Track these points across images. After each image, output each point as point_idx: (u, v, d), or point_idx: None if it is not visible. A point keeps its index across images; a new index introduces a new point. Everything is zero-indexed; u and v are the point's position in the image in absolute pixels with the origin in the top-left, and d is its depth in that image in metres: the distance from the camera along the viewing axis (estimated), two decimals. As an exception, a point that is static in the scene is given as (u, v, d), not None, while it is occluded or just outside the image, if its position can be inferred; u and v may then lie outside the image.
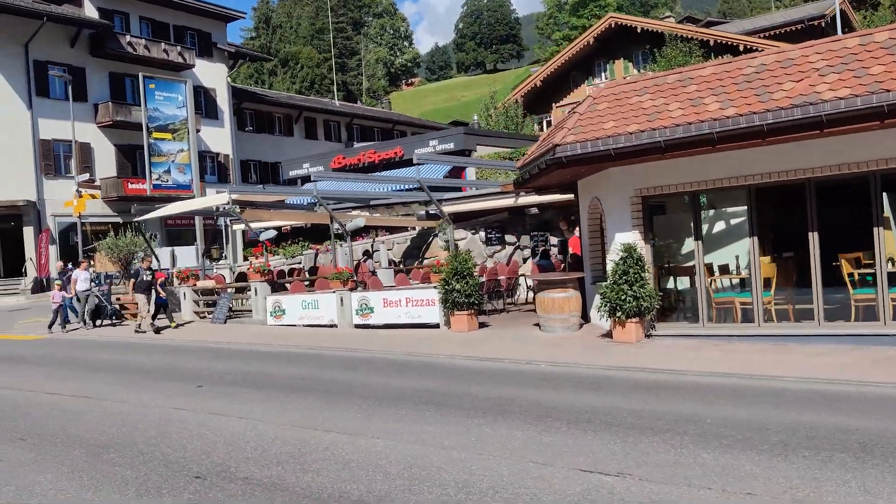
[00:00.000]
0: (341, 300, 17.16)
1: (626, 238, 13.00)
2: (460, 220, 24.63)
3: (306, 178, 33.48)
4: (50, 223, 33.43)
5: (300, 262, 26.09)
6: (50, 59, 34.04)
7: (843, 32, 42.83)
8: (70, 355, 15.43)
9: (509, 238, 23.90)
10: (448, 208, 24.47)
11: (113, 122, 35.28)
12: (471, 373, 10.99)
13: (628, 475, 5.75)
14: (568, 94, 47.38)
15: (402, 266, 23.76)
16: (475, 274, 15.12)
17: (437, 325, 15.65)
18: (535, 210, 23.30)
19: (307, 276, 21.76)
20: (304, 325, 17.83)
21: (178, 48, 37.98)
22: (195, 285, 20.80)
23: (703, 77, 11.95)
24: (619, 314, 12.40)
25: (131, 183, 34.96)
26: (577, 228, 17.54)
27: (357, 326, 17.00)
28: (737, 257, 12.80)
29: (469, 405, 8.59)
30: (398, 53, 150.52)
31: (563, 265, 17.17)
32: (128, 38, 36.12)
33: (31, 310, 28.00)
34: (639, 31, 42.30)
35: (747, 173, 11.96)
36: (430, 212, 22.47)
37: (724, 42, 38.31)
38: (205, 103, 39.54)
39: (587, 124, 12.50)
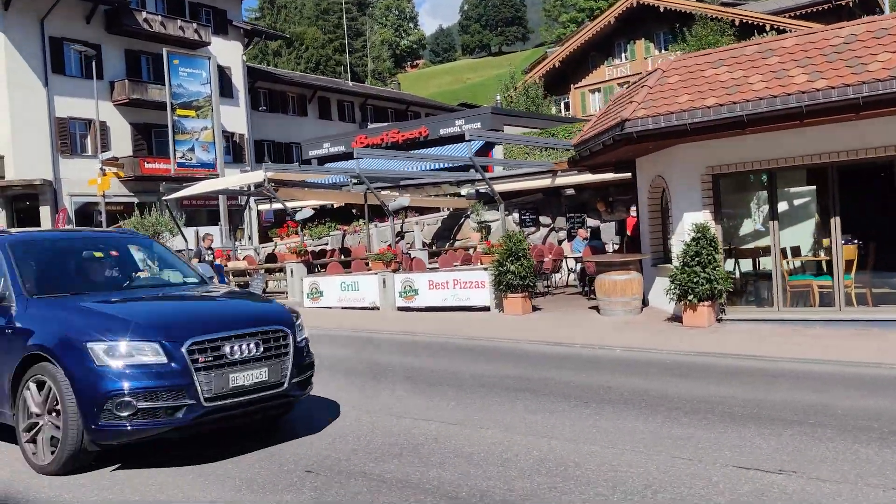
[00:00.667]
0: (384, 282, 16.64)
1: (695, 218, 12.44)
2: (492, 201, 24.06)
3: (327, 159, 32.92)
4: (66, 202, 32.83)
5: (327, 244, 25.55)
6: (65, 36, 33.26)
7: (870, 14, 42.06)
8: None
9: (544, 220, 23.38)
10: (481, 187, 23.93)
11: (129, 101, 34.59)
12: (547, 358, 10.46)
13: (793, 472, 5.23)
14: (587, 75, 46.70)
15: (434, 247, 23.21)
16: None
17: (486, 308, 15.13)
18: (571, 191, 22.74)
19: (341, 257, 21.19)
20: (342, 308, 17.33)
21: (195, 25, 37.22)
22: (226, 265, 20.26)
23: (786, 48, 11.34)
24: (690, 297, 11.86)
25: (147, 162, 34.32)
26: (634, 208, 16.98)
27: (400, 309, 16.49)
28: (814, 238, 12.25)
29: (564, 392, 8.07)
30: (403, 35, 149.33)
31: (619, 247, 16.56)
32: (144, 14, 35.35)
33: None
34: (662, 10, 41.54)
35: (830, 150, 11.38)
36: (480, 190, 21.87)
37: (749, 22, 37.57)
38: (220, 82, 38.77)
39: (658, 98, 11.91)
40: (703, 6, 41.28)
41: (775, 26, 37.00)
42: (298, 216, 20.66)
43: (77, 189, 33.09)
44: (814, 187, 12.64)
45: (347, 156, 32.38)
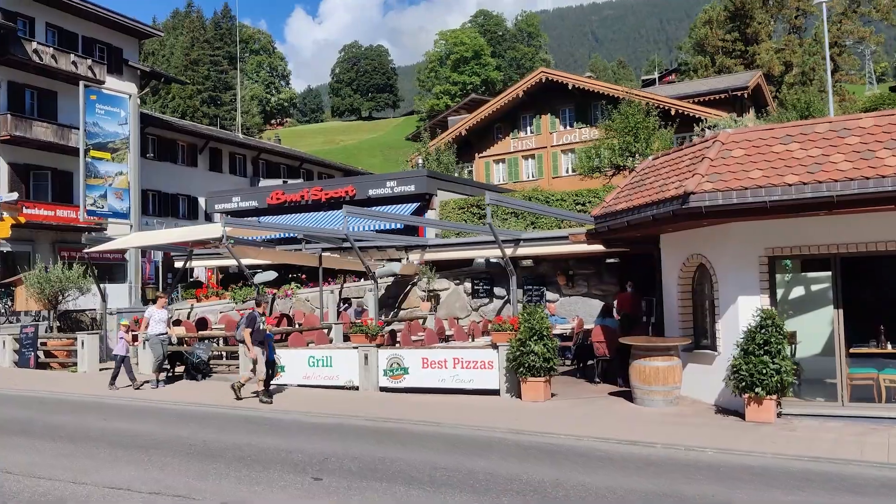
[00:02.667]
0: (366, 358, 14.69)
1: (751, 302, 11.55)
2: (443, 268, 22.63)
3: (236, 213, 30.41)
4: (-75, 249, 28.46)
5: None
6: (-61, 59, 29.41)
7: (760, 105, 44.59)
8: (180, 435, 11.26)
9: (499, 291, 22.12)
10: (430, 255, 22.49)
11: (11, 138, 30.73)
12: (625, 462, 9.00)
13: None
14: (492, 145, 46.61)
15: (382, 316, 21.35)
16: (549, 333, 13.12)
17: (495, 392, 13.53)
18: (528, 262, 21.66)
19: (287, 325, 18.90)
20: (310, 386, 15.17)
21: (89, 61, 33.93)
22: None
23: (865, 129, 10.79)
24: (758, 390, 10.83)
25: (27, 207, 30.43)
26: (629, 285, 16.03)
27: (384, 390, 14.57)
28: (881, 328, 11.57)
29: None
30: (274, 92, 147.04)
31: (635, 327, 15.40)
32: (34, 44, 31.84)
33: None
34: (570, 87, 42.18)
35: (905, 237, 10.83)
36: (491, 260, 20.32)
37: (657, 105, 38.58)
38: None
39: (724, 171, 11.05)
40: (611, 87, 42.37)
41: (681, 111, 38.23)
42: (259, 278, 18.33)
43: (-62, 234, 28.82)
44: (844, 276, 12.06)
45: (261, 212, 30.10)
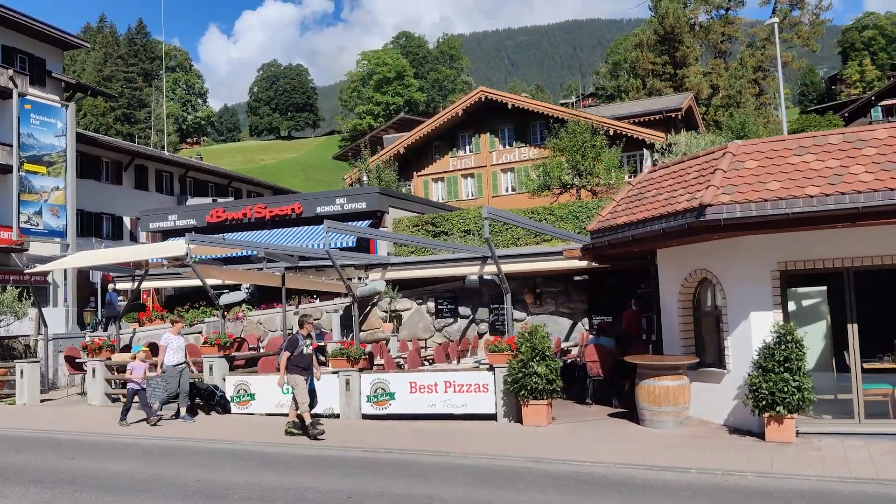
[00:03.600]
0: (347, 383, 13.78)
1: (764, 319, 11.23)
2: (405, 287, 21.84)
3: (174, 232, 28.84)
4: None
5: (201, 332, 21.70)
6: None
7: (691, 126, 45.50)
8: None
9: (463, 310, 21.45)
10: (392, 274, 21.69)
11: (-78, 150, 28.49)
12: (671, 490, 8.44)
13: None
14: (430, 164, 46.05)
15: (344, 337, 20.36)
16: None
17: (491, 417, 12.82)
18: (493, 280, 21.07)
19: (238, 349, 17.70)
20: (283, 415, 14.11)
21: (10, 72, 31.77)
22: (109, 359, 16.15)
23: (880, 139, 10.65)
24: (779, 409, 10.46)
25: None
26: (634, 302, 15.61)
27: (367, 417, 13.67)
28: (891, 343, 11.40)
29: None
30: (191, 110, 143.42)
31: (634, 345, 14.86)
32: (-51, 51, 29.69)
33: None
34: (509, 107, 42.05)
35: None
36: (485, 277, 19.45)
37: (600, 125, 38.84)
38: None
39: (739, 183, 10.72)
40: (549, 107, 42.53)
41: (620, 132, 38.56)
42: (224, 300, 17.08)
43: None
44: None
45: (200, 230, 28.61)
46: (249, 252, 22.20)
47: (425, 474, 9.40)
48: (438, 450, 10.70)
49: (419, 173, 45.95)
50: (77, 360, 17.72)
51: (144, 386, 13.75)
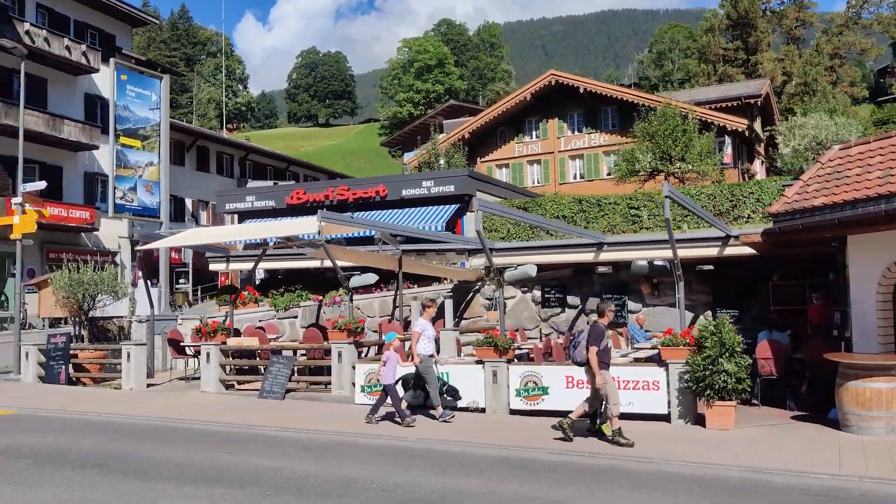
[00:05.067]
0: (494, 375, 12.70)
1: None
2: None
3: (251, 214, 27.94)
4: None
5: (296, 316, 20.81)
6: (-77, 38, 26.37)
7: (767, 114, 43.90)
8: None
9: (572, 300, 20.28)
10: (497, 260, 20.54)
11: (-1, 126, 27.93)
12: None
13: None
14: (495, 149, 44.91)
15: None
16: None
17: (662, 417, 11.65)
18: (605, 269, 19.89)
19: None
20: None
21: (83, 47, 31.12)
22: (224, 343, 15.23)
23: None
24: None
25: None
26: (817, 295, 14.33)
27: (515, 412, 12.59)
28: None
29: None
30: (232, 96, 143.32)
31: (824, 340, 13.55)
32: (26, 25, 28.97)
33: None
34: (581, 91, 40.75)
35: None
36: (656, 263, 17.92)
37: (682, 111, 37.38)
38: (101, 116, 32.46)
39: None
40: (626, 91, 41.05)
41: (701, 118, 37.05)
42: (355, 282, 16.09)
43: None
44: None
45: (279, 212, 27.72)
46: (348, 235, 21.24)
47: (646, 485, 8.29)
48: (640, 455, 9.57)
49: (483, 159, 44.80)
50: (181, 344, 16.85)
51: (395, 380, 12.10)
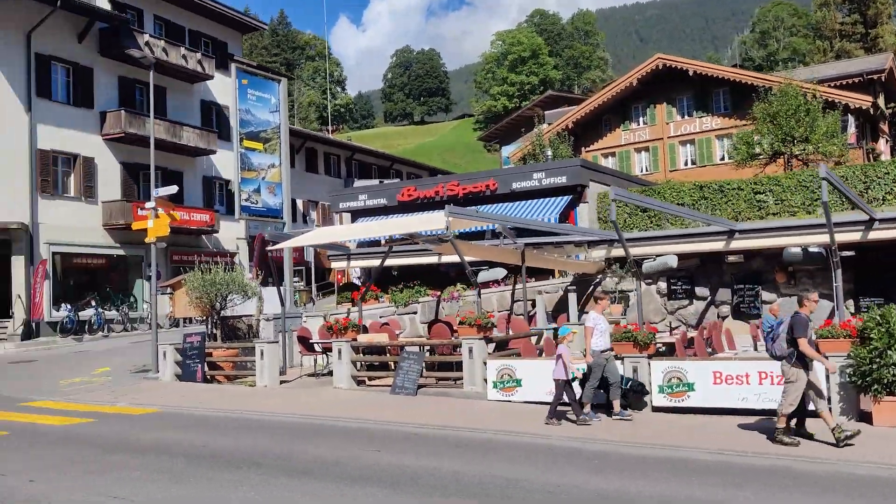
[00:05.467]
0: (634, 371, 12.26)
1: None
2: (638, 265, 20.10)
3: (364, 212, 28.22)
4: (43, 252, 26.82)
5: (416, 312, 20.85)
6: (54, 55, 27.84)
7: (890, 90, 41.38)
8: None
9: (700, 291, 19.57)
10: (618, 251, 20.02)
11: (124, 135, 29.10)
12: None
13: None
14: (600, 138, 44.02)
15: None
16: None
17: (814, 414, 10.94)
18: (735, 258, 19.07)
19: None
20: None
21: (198, 55, 32.19)
22: (355, 339, 15.35)
23: None
24: None
25: (141, 209, 28.56)
26: None
27: (657, 410, 12.12)
28: None
29: None
30: (331, 98, 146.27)
31: None
32: (146, 37, 30.17)
33: (37, 362, 21.51)
34: (690, 73, 39.40)
35: None
36: (811, 250, 17.04)
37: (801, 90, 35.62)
38: (217, 122, 33.54)
39: None
40: (740, 73, 39.49)
41: (821, 96, 35.22)
42: (483, 277, 15.99)
43: (56, 237, 27.24)
44: None
45: (390, 209, 27.90)
46: (459, 231, 21.10)
47: (827, 487, 7.76)
48: (809, 455, 9.00)
49: (587, 149, 43.97)
50: (310, 341, 17.10)
51: (571, 377, 11.59)
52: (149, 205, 17.82)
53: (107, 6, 29.52)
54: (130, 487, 8.05)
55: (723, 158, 39.85)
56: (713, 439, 9.97)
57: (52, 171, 27.44)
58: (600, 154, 43.86)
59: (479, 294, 14.76)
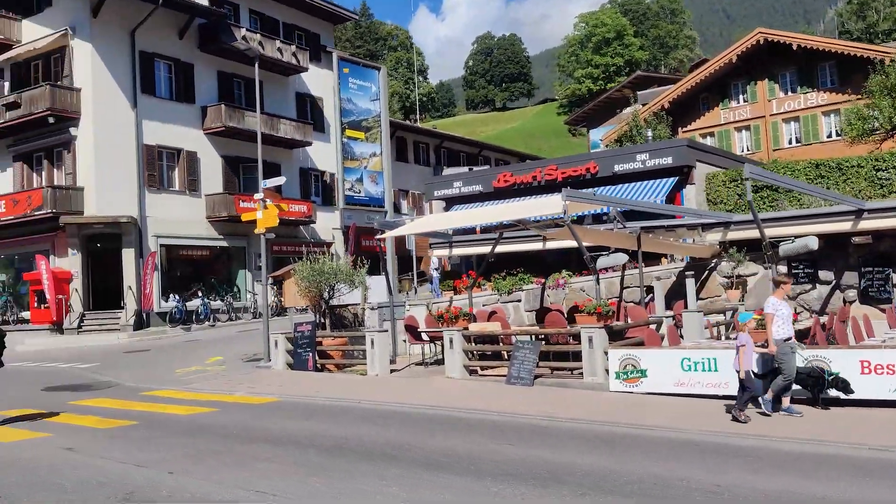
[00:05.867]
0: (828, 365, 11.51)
1: None
2: (751, 249, 19.22)
3: (459, 199, 27.93)
4: (151, 244, 27.57)
5: (520, 300, 20.47)
6: (157, 52, 28.52)
7: None
8: None
9: (824, 275, 18.53)
10: (734, 234, 19.17)
11: (225, 129, 29.62)
12: None
13: None
14: (697, 118, 42.59)
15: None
16: None
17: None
18: (862, 239, 17.94)
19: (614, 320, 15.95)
20: (682, 395, 12.20)
21: (293, 48, 32.47)
22: (466, 328, 15.10)
23: None
24: None
25: (243, 201, 29.06)
26: None
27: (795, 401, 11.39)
28: None
29: None
30: (413, 88, 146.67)
31: None
32: (242, 31, 30.58)
33: (151, 351, 22.09)
34: (794, 48, 37.59)
35: None
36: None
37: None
38: (311, 114, 33.81)
39: None
40: (849, 45, 37.51)
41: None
42: (603, 262, 15.57)
43: (163, 229, 27.95)
44: None
45: (486, 196, 27.56)
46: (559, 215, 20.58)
47: None
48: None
49: (684, 129, 42.59)
50: (418, 330, 16.95)
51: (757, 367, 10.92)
52: (257, 196, 17.92)
53: (205, 2, 30.00)
54: (269, 480, 7.95)
55: (830, 135, 37.98)
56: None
57: (157, 166, 28.15)
58: (698, 134, 42.39)
59: (598, 280, 14.21)
